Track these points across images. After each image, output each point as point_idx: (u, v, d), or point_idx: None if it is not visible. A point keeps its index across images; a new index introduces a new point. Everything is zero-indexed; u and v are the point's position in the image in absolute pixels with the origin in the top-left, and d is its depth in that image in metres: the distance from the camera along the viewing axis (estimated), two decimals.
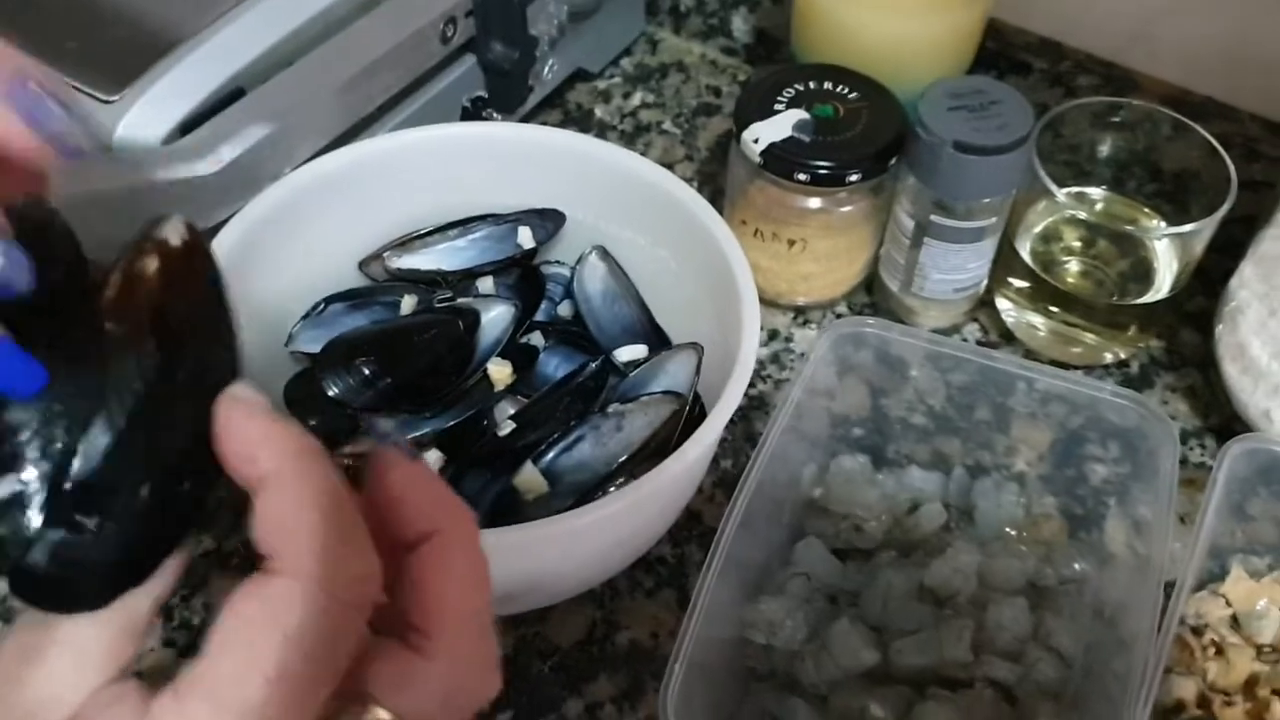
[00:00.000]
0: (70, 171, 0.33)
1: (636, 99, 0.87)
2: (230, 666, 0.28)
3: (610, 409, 0.61)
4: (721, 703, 0.57)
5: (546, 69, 0.80)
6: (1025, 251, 0.70)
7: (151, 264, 0.31)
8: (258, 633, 0.28)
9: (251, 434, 0.30)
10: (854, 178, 0.66)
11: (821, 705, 0.56)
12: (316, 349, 0.63)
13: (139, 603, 0.31)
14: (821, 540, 0.62)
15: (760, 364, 0.73)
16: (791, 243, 0.70)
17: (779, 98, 0.69)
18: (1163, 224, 0.71)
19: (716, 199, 0.67)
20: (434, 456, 0.61)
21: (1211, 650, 0.57)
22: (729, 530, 0.55)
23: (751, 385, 0.72)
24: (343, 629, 0.29)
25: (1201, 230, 0.65)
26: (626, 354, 0.65)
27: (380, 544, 0.32)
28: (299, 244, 0.64)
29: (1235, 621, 0.59)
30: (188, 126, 0.63)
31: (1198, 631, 0.58)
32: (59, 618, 0.30)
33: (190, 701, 0.28)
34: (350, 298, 0.67)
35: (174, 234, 0.31)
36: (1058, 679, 0.56)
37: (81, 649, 0.30)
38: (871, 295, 0.76)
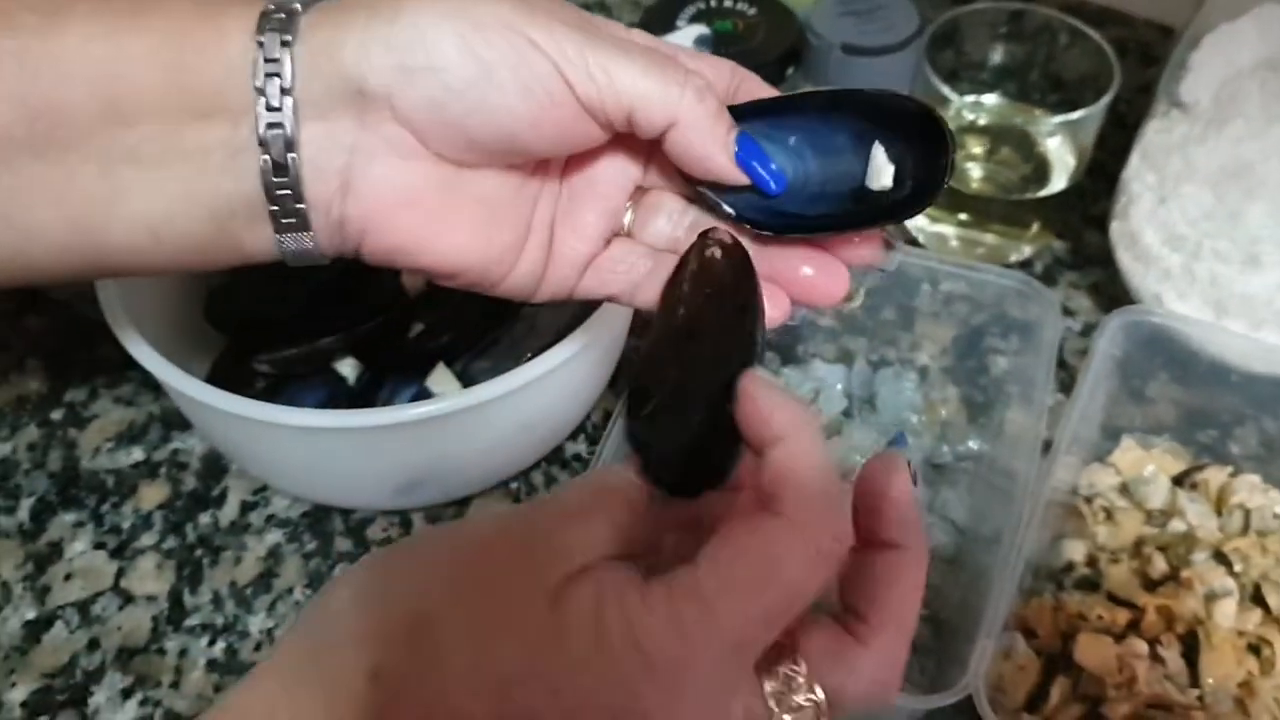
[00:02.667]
0: None
1: None
2: (718, 583, 0.32)
3: (523, 311, 0.63)
4: None
5: None
6: None
7: (718, 253, 0.39)
8: (752, 561, 0.32)
9: (769, 401, 0.35)
10: None
11: None
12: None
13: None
14: None
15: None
16: None
17: (681, 14, 0.71)
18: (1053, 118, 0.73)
19: None
20: (350, 364, 0.63)
21: (1102, 515, 0.59)
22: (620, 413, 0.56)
23: None
24: (813, 578, 0.33)
25: (1088, 119, 0.67)
26: None
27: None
28: None
29: (1125, 489, 0.61)
30: None
31: (1089, 500, 0.60)
32: (611, 491, 0.35)
33: (684, 603, 0.31)
34: None
35: (727, 237, 0.40)
36: (950, 544, 0.58)
37: (611, 527, 0.34)
38: None
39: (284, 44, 0.38)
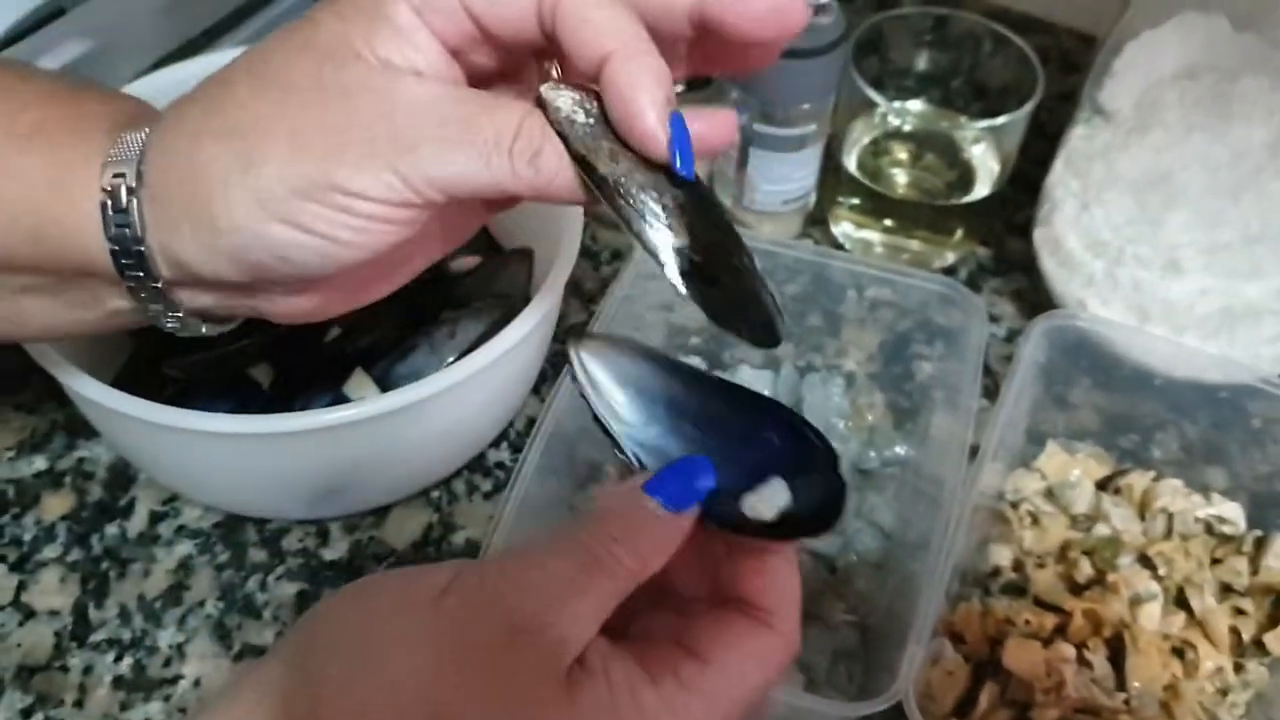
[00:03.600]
0: None
1: None
2: (724, 683, 0.35)
3: (443, 316, 0.62)
4: None
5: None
6: (853, 166, 0.72)
7: None
8: (752, 668, 0.35)
9: None
10: (679, 88, 0.67)
11: None
12: None
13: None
14: None
15: (603, 283, 0.74)
16: None
17: None
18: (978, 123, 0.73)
19: None
20: (263, 369, 0.61)
21: (1028, 520, 0.59)
22: (545, 420, 0.55)
23: (594, 301, 0.73)
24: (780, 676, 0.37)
25: (1012, 125, 0.67)
26: (459, 265, 0.65)
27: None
28: None
29: (1051, 494, 0.61)
30: (6, 44, 0.62)
31: (1015, 505, 0.60)
32: (597, 564, 0.35)
33: (693, 698, 0.34)
34: None
35: None
36: (877, 549, 0.58)
37: (599, 605, 0.35)
38: None
39: (126, 229, 0.39)
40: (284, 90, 0.38)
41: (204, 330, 0.45)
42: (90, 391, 0.52)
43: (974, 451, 0.56)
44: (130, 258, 0.40)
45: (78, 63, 0.62)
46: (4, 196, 0.39)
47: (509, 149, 0.37)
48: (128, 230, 0.39)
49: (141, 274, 0.40)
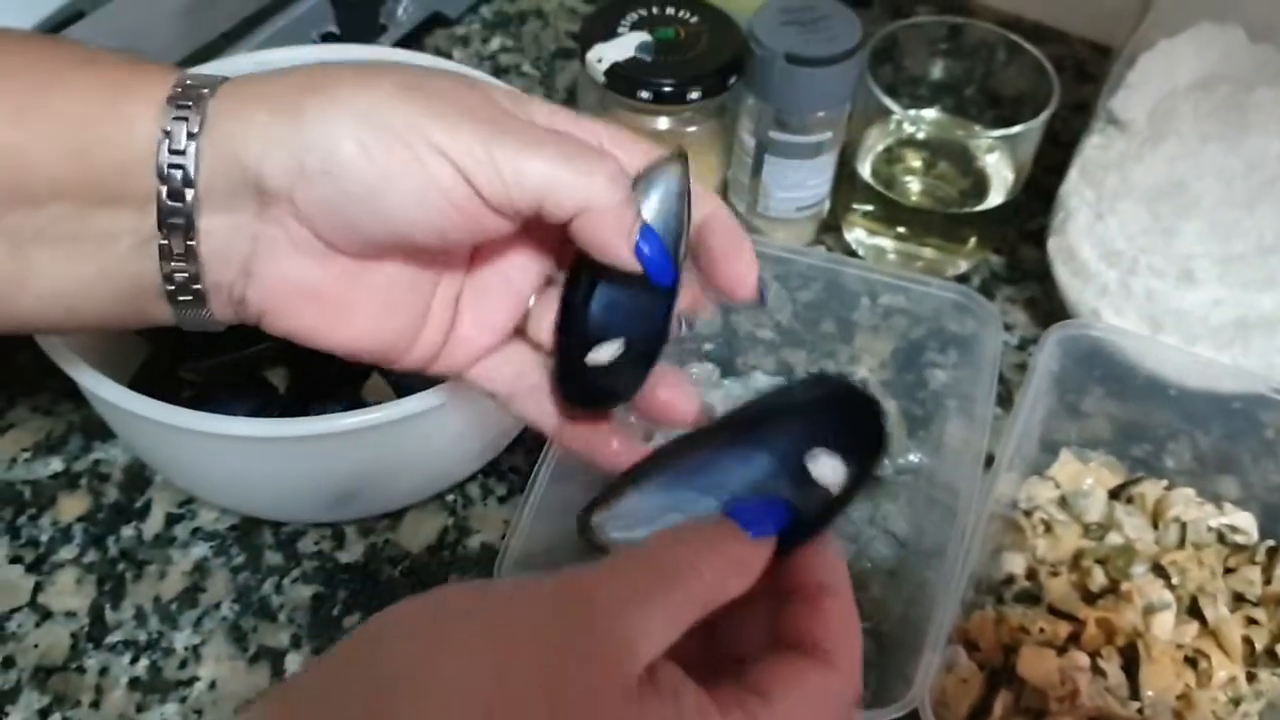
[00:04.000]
0: None
1: (495, 44, 0.88)
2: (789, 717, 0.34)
3: None
4: None
5: (400, 8, 0.80)
6: (867, 173, 0.72)
7: None
8: (816, 705, 0.35)
9: (826, 555, 0.38)
10: (695, 95, 0.68)
11: None
12: None
13: None
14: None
15: None
16: None
17: (622, 21, 0.70)
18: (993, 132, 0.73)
19: None
20: (280, 373, 0.61)
21: (1041, 528, 0.59)
22: None
23: None
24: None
25: (1027, 134, 0.67)
26: None
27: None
28: None
29: (1064, 502, 0.61)
30: None
31: (1029, 514, 0.60)
32: (672, 575, 0.35)
33: None
34: None
35: None
36: (891, 556, 0.58)
37: (669, 618, 0.34)
38: None
39: (190, 135, 0.39)
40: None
41: (206, 312, 0.43)
42: (108, 393, 0.52)
43: (989, 460, 0.56)
44: (178, 158, 0.39)
45: None
46: (54, 108, 0.39)
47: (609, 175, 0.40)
48: (189, 128, 0.39)
49: (179, 203, 0.39)
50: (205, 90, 0.40)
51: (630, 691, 0.32)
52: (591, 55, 0.68)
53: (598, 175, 0.40)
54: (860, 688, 0.37)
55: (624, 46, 0.69)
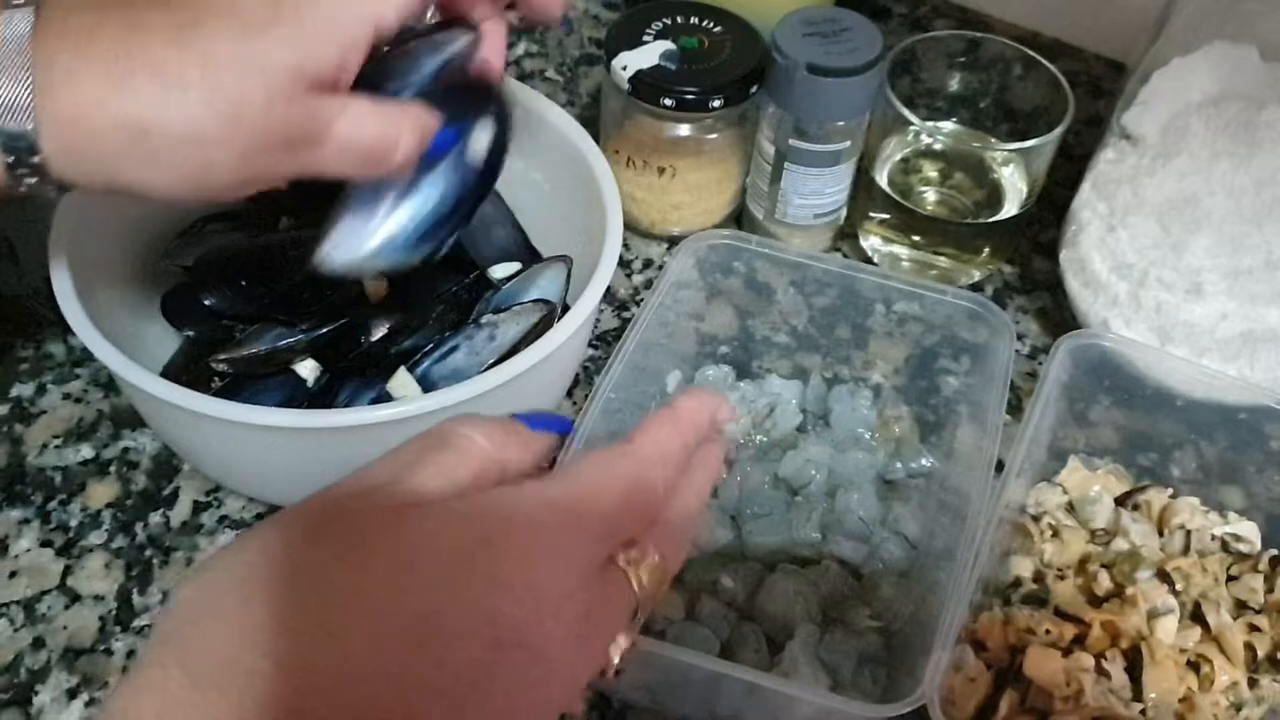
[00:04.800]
0: None
1: (520, 49, 0.89)
2: (579, 471, 0.41)
3: (484, 319, 0.64)
4: None
5: (429, 13, 0.82)
6: (884, 182, 0.74)
7: None
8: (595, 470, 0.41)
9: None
10: (717, 103, 0.69)
11: (678, 582, 0.59)
12: (191, 262, 0.64)
13: None
14: None
15: (634, 290, 0.76)
16: (662, 170, 0.73)
17: (647, 30, 0.72)
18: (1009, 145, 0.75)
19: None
20: (309, 366, 0.63)
21: (1049, 533, 0.60)
22: (586, 419, 0.57)
23: (625, 309, 0.75)
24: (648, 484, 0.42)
25: (1041, 148, 0.69)
26: (500, 270, 0.67)
27: None
28: None
29: (1071, 508, 0.62)
30: None
31: (1037, 518, 0.61)
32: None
33: (551, 483, 0.40)
34: (227, 218, 0.68)
35: None
36: (902, 558, 0.59)
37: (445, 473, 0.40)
38: (740, 226, 0.79)
39: None
40: None
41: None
42: (140, 380, 0.54)
43: (999, 466, 0.57)
44: None
45: None
46: None
47: None
48: None
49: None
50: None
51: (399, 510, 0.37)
52: (616, 63, 0.70)
53: None
54: (645, 466, 0.41)
55: (649, 55, 0.70)
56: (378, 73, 0.50)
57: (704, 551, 0.60)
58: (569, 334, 0.58)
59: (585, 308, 0.58)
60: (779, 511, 0.60)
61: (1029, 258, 0.77)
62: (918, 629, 0.55)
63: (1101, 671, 0.53)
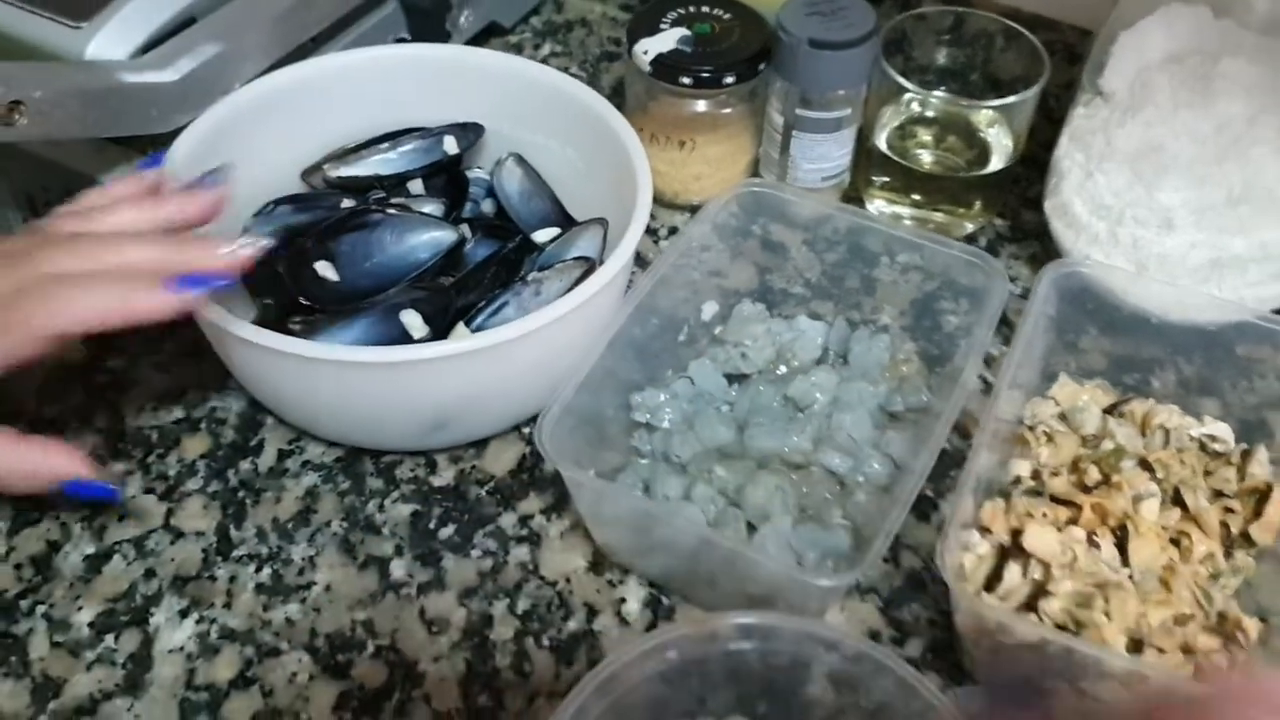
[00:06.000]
0: (56, 71, 0.51)
1: (546, 49, 0.97)
2: None
3: (530, 277, 0.71)
4: (602, 459, 0.67)
5: (463, 17, 0.90)
6: (884, 146, 0.82)
7: None
8: None
9: None
10: (730, 80, 0.77)
11: (681, 471, 0.67)
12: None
13: None
14: (713, 363, 0.72)
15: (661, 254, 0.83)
16: (682, 144, 0.81)
17: (664, 19, 0.80)
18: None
19: None
20: (415, 319, 0.70)
21: (1044, 439, 0.67)
22: (625, 309, 0.66)
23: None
24: None
25: (1022, 105, 0.77)
26: (542, 235, 0.75)
27: None
28: (248, 152, 0.73)
29: (1063, 418, 0.69)
30: (145, 50, 0.72)
31: (1032, 428, 0.69)
32: None
33: None
34: (295, 201, 0.76)
35: None
36: (885, 475, 0.66)
37: None
38: None
39: None
40: None
41: None
42: (233, 326, 0.61)
43: (987, 387, 0.64)
44: None
45: (212, 61, 0.72)
46: None
47: None
48: None
49: None
50: None
51: None
52: (638, 49, 0.78)
53: None
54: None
55: (666, 40, 0.78)
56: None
57: (706, 446, 0.68)
58: (606, 280, 0.65)
59: (622, 256, 0.66)
60: (780, 423, 0.68)
61: (1018, 212, 0.85)
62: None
63: (1093, 544, 0.60)
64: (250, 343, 0.61)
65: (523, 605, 0.64)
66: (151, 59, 0.71)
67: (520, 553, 0.67)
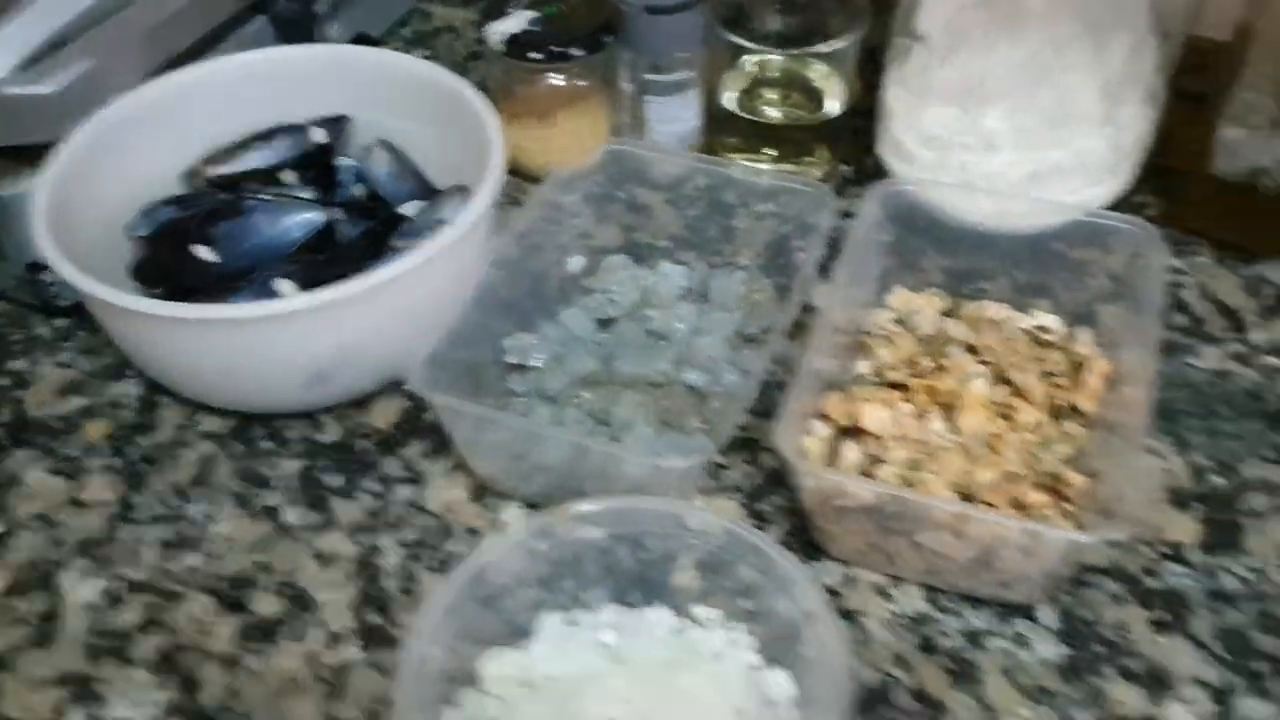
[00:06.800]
0: None
1: (417, 55, 1.03)
2: None
3: (399, 245, 0.76)
4: (480, 405, 0.70)
5: (332, 30, 0.96)
6: (732, 106, 0.88)
7: None
8: None
9: None
10: (578, 51, 0.83)
11: (552, 402, 0.72)
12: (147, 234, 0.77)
13: None
14: (583, 311, 0.77)
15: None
16: (541, 117, 0.86)
17: (514, 3, 0.86)
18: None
19: None
20: (288, 286, 0.74)
21: (882, 341, 0.73)
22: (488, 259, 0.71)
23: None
24: None
25: (846, 50, 0.83)
26: (409, 208, 0.80)
27: None
28: (130, 159, 0.78)
29: (900, 322, 0.75)
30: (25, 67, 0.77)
31: (870, 333, 0.74)
32: None
33: None
34: (178, 201, 0.81)
35: None
36: (741, 385, 0.71)
37: None
38: None
39: None
40: None
41: None
42: (114, 298, 0.65)
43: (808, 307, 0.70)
44: None
45: (88, 75, 0.77)
46: None
47: None
48: None
49: None
50: None
51: None
52: (490, 31, 0.84)
53: None
54: None
55: (518, 22, 0.84)
56: None
57: (574, 376, 0.73)
58: (465, 230, 0.70)
59: (478, 208, 0.71)
60: (644, 351, 0.73)
61: (862, 159, 0.90)
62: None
63: (923, 418, 0.65)
64: (131, 311, 0.66)
65: (409, 536, 0.69)
66: (30, 74, 0.76)
67: (405, 492, 0.71)
